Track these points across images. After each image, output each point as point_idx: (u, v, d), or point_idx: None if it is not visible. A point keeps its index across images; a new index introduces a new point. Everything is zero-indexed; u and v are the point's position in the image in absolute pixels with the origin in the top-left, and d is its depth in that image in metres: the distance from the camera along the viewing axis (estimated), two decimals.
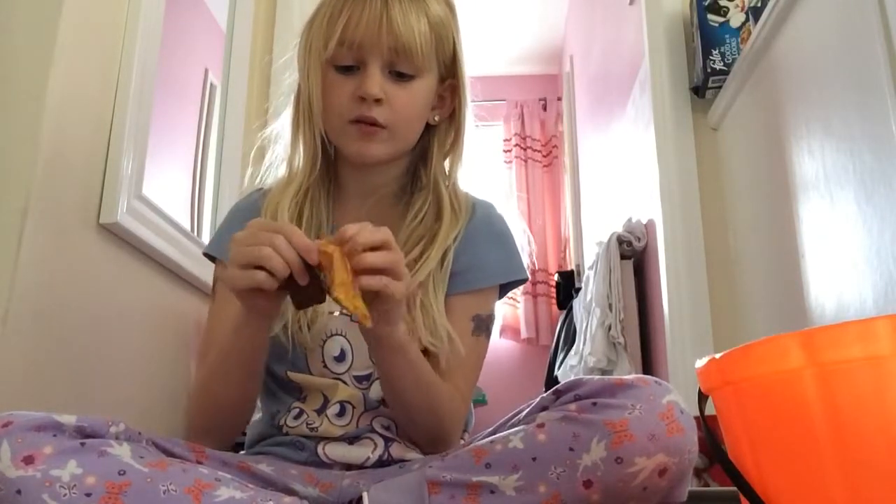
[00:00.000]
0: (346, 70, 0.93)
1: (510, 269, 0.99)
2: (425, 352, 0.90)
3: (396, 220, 0.97)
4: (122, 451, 0.70)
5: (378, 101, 0.91)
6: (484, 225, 1.00)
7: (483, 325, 0.96)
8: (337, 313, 0.94)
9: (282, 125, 1.03)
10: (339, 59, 0.92)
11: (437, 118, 1.00)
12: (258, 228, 0.75)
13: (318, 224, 0.97)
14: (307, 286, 0.75)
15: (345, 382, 0.93)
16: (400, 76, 0.93)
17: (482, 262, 0.97)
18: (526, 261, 1.02)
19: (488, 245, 0.99)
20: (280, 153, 1.04)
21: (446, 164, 1.02)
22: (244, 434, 1.00)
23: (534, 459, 0.74)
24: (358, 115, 0.92)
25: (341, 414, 0.92)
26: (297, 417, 0.93)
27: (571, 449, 0.73)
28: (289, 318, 0.91)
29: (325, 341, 0.94)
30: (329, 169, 1.01)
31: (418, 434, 0.91)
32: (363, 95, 0.91)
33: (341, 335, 0.94)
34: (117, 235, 1.26)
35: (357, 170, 0.99)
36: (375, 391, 0.93)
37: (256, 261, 0.73)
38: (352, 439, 0.91)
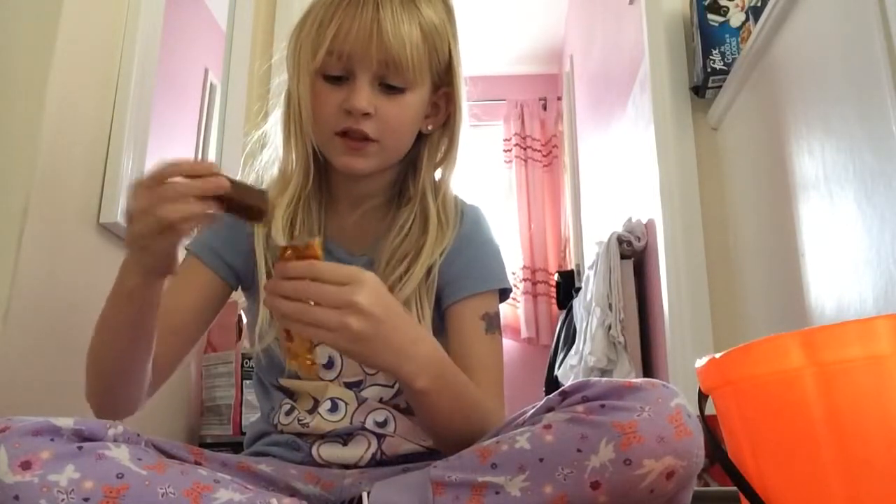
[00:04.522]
0: (336, 80, 0.90)
1: (504, 276, 0.99)
2: None
3: (383, 233, 0.96)
4: (120, 454, 0.69)
5: (366, 115, 0.89)
6: (475, 231, 0.99)
7: (494, 323, 0.95)
8: None
9: (272, 127, 1.01)
10: (327, 68, 0.89)
11: (430, 127, 0.97)
12: (162, 174, 0.75)
13: (308, 234, 0.95)
14: (243, 207, 0.73)
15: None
16: (390, 88, 0.89)
17: (480, 266, 0.96)
18: (508, 271, 1.01)
19: (481, 250, 0.98)
20: (269, 156, 1.01)
21: (437, 173, 0.99)
22: (243, 433, 1.00)
23: (541, 460, 0.73)
24: (345, 128, 0.89)
25: (333, 410, 0.92)
26: (288, 414, 0.94)
27: (579, 450, 0.72)
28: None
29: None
30: (321, 177, 0.99)
31: (451, 445, 0.85)
32: (350, 110, 0.88)
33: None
34: (117, 235, 1.26)
35: (346, 178, 0.97)
36: (368, 392, 0.93)
37: (173, 214, 0.73)
38: (345, 439, 0.91)
